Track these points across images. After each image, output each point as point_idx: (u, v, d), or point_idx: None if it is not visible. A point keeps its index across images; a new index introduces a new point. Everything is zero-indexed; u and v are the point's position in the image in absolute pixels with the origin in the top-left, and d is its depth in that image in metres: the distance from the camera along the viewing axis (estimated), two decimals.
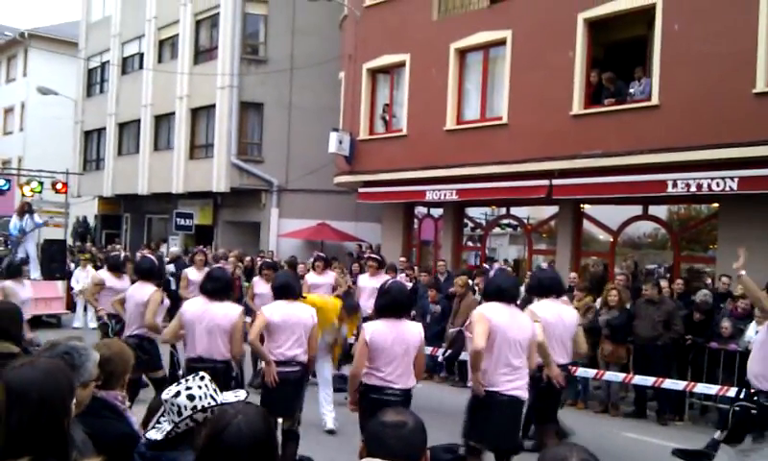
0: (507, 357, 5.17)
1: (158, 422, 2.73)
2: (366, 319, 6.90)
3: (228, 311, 5.83)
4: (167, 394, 2.65)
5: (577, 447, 1.97)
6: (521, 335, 5.27)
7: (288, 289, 6.02)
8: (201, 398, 2.61)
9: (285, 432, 5.91)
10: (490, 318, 5.17)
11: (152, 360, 7.32)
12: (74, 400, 2.14)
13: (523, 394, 5.30)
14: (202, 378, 2.69)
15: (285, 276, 6.53)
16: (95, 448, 2.48)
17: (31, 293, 9.36)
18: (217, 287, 5.92)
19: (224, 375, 5.62)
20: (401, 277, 11.89)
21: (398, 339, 5.16)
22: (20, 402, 1.92)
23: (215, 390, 2.69)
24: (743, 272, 5.98)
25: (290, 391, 5.86)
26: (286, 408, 5.87)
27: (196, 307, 5.93)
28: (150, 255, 9.39)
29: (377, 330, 5.14)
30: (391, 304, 5.24)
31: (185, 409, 2.59)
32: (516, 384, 5.22)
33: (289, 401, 5.87)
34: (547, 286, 6.40)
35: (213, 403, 2.62)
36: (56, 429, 1.97)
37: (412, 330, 5.28)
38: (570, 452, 1.93)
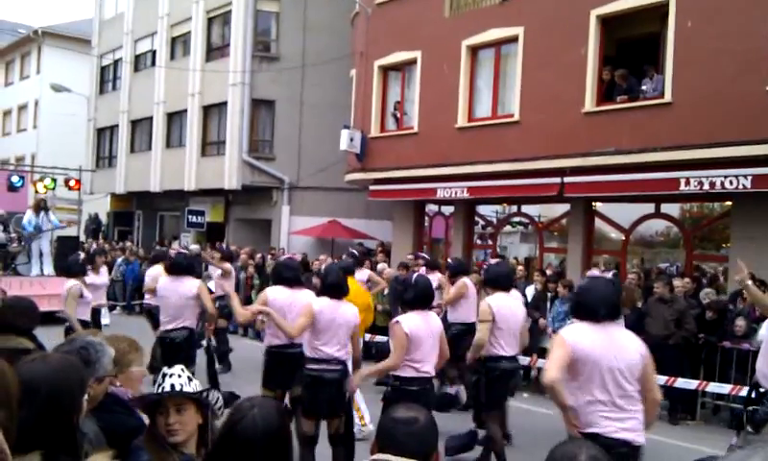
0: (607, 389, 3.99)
1: None
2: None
3: (310, 299, 5.97)
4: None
5: (587, 444, 1.98)
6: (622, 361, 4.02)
7: (339, 289, 5.82)
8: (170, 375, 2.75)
9: (331, 437, 5.81)
10: (573, 342, 4.01)
11: (193, 354, 7.60)
12: (85, 396, 2.16)
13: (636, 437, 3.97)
14: (182, 370, 2.76)
15: (336, 274, 6.05)
16: (106, 442, 2.52)
17: (107, 278, 9.74)
18: (297, 275, 6.24)
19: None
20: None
21: (429, 330, 5.39)
22: (29, 397, 1.93)
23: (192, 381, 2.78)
24: (749, 282, 6.03)
25: (331, 391, 5.65)
26: (329, 410, 5.72)
27: (285, 296, 6.10)
28: (183, 251, 9.64)
29: (414, 323, 5.28)
30: (421, 297, 5.43)
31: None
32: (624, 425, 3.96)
33: (331, 403, 5.69)
34: (501, 280, 6.56)
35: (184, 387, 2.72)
36: (65, 425, 1.98)
37: (436, 321, 5.58)
38: (580, 450, 1.94)
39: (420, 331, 5.29)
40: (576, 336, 4.01)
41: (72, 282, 8.44)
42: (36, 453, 1.88)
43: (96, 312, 9.80)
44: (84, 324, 8.17)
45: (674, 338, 9.63)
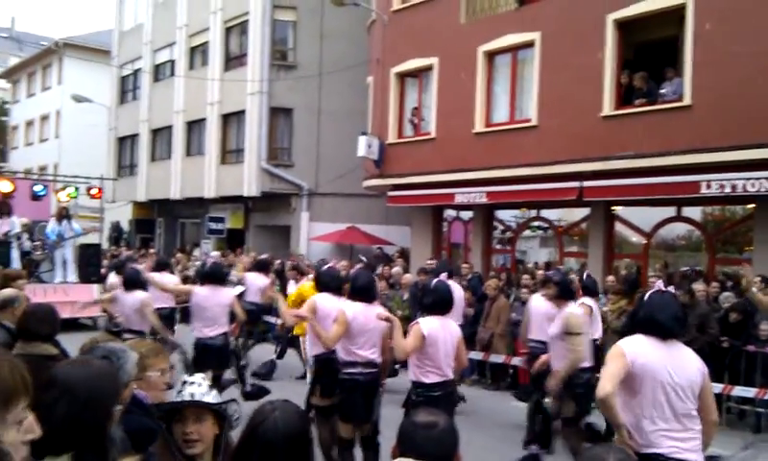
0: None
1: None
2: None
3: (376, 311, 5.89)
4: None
5: (614, 448, 1.99)
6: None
7: (369, 292, 5.93)
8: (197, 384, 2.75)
9: (363, 439, 5.88)
10: (633, 355, 3.85)
11: (228, 357, 8.14)
12: (119, 406, 2.20)
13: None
14: (204, 379, 2.74)
15: (366, 277, 6.19)
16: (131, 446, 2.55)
17: (176, 279, 10.01)
18: (341, 284, 6.44)
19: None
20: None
21: (448, 335, 5.47)
22: (67, 397, 1.97)
23: (210, 390, 2.77)
24: (754, 288, 6.06)
25: (365, 395, 5.77)
26: (363, 413, 5.78)
27: (332, 304, 6.11)
28: (218, 261, 10.00)
29: (434, 327, 5.37)
30: (439, 302, 5.53)
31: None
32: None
33: (364, 406, 5.77)
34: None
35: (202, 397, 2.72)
36: (98, 429, 2.02)
37: (455, 326, 5.65)
38: (608, 454, 1.95)
39: (438, 335, 5.36)
40: (636, 348, 3.85)
41: (144, 294, 8.04)
42: (66, 456, 1.92)
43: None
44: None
45: (697, 343, 9.52)
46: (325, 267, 7.18)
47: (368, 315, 5.75)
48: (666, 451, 3.71)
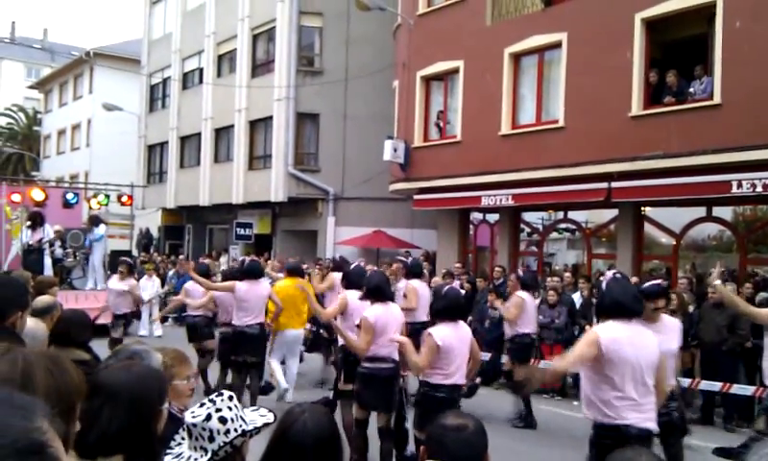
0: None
1: (178, 442, 2.47)
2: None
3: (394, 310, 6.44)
4: (194, 417, 2.39)
5: (645, 451, 1.98)
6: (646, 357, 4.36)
7: (384, 293, 6.33)
8: (232, 420, 2.39)
9: (380, 429, 6.26)
10: (607, 343, 4.28)
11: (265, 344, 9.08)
12: (165, 405, 2.24)
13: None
14: (230, 399, 2.45)
15: (379, 277, 6.62)
16: None
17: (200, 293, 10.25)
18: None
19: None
20: (456, 283, 11.84)
21: (460, 340, 5.55)
22: (111, 402, 2.03)
23: (242, 410, 2.48)
24: (718, 282, 6.18)
25: (384, 387, 6.18)
26: (380, 404, 6.23)
27: (378, 311, 6.30)
28: (257, 259, 10.92)
29: (446, 335, 5.43)
30: (450, 308, 5.59)
31: (218, 433, 2.35)
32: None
33: (383, 398, 6.21)
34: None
35: (244, 425, 2.41)
36: (145, 431, 2.08)
37: (466, 330, 5.71)
38: (639, 457, 1.95)
39: (453, 342, 5.46)
40: (609, 334, 4.27)
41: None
42: (117, 457, 1.98)
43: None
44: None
45: (727, 344, 9.41)
46: (354, 265, 7.81)
47: (388, 315, 6.16)
48: (631, 422, 4.20)
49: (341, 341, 6.85)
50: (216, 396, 2.45)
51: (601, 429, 4.28)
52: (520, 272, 11.57)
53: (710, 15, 11.75)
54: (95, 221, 16.21)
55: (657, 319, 5.16)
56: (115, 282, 11.45)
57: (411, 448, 6.46)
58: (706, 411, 9.70)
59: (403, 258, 12.50)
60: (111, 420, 1.99)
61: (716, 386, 9.18)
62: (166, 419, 2.88)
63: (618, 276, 4.70)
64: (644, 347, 4.30)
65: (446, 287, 5.88)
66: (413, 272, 10.13)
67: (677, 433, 5.24)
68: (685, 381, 9.52)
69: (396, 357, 6.17)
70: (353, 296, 6.90)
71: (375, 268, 9.85)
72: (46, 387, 1.65)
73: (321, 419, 2.23)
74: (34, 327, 3.82)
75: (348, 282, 7.31)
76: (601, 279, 5.11)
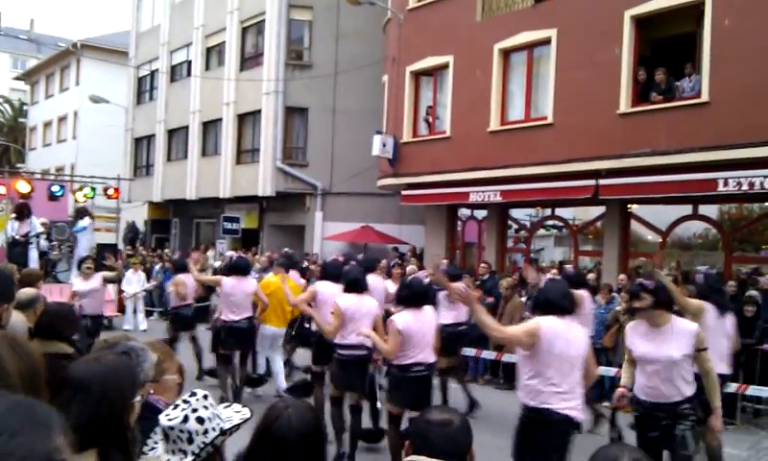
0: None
1: (152, 447, 2.41)
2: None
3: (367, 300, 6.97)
4: (170, 420, 2.34)
5: (629, 447, 1.97)
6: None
7: (359, 284, 6.93)
8: (209, 419, 2.35)
9: (352, 406, 6.99)
10: (545, 331, 4.61)
11: (254, 338, 9.38)
12: (138, 398, 2.20)
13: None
14: (206, 398, 2.40)
15: (356, 271, 7.29)
16: None
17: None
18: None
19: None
20: (422, 273, 11.67)
21: (424, 323, 6.13)
22: (81, 395, 1.99)
23: (217, 408, 2.44)
24: (655, 269, 6.51)
25: (356, 370, 6.89)
26: (352, 385, 6.93)
27: (332, 290, 7.32)
28: (244, 256, 11.32)
29: (407, 320, 6.02)
30: (413, 295, 6.15)
31: (197, 434, 2.31)
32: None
33: (355, 379, 6.90)
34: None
35: (222, 424, 2.39)
36: (118, 423, 2.04)
37: (431, 316, 6.29)
38: (622, 452, 1.94)
39: (414, 326, 6.04)
40: (548, 325, 4.61)
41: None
42: (91, 451, 1.94)
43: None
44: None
45: None
46: (329, 260, 8.67)
47: (360, 305, 6.77)
48: (556, 407, 4.55)
49: (314, 326, 7.70)
50: (190, 396, 2.39)
51: (528, 411, 4.68)
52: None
53: (699, 13, 11.80)
54: (81, 213, 16.06)
55: (661, 322, 4.92)
56: (79, 283, 9.87)
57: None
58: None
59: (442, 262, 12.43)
60: (81, 412, 1.95)
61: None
62: (152, 410, 2.87)
63: (556, 278, 5.26)
64: (576, 341, 4.68)
65: (411, 277, 6.67)
66: (454, 276, 9.88)
67: (679, 447, 4.95)
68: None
69: (369, 344, 6.71)
70: (324, 287, 7.62)
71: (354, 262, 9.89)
72: (17, 371, 1.62)
73: (304, 414, 2.21)
74: (14, 319, 3.78)
75: (324, 275, 8.03)
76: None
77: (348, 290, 6.90)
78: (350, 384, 6.93)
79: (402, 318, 6.04)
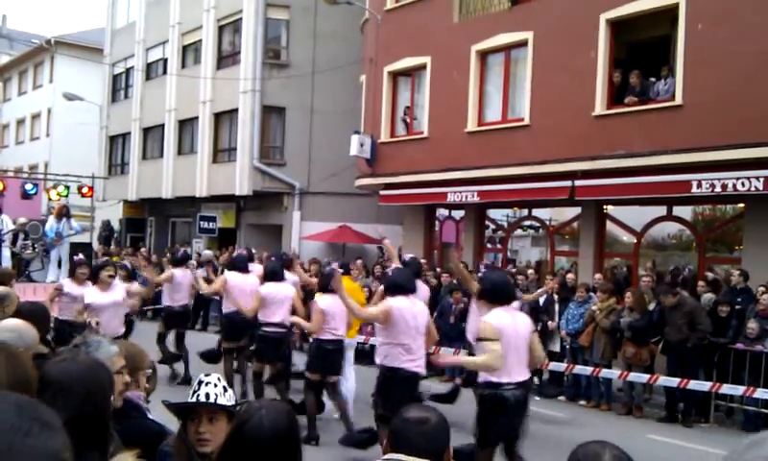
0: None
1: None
2: None
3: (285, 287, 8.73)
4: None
5: (609, 444, 1.98)
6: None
7: (277, 274, 8.65)
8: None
9: (272, 376, 8.55)
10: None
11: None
12: (113, 397, 2.19)
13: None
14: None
15: (274, 264, 9.18)
16: (129, 446, 2.54)
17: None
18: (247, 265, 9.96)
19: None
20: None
21: (339, 306, 7.01)
22: (64, 396, 1.96)
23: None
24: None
25: (276, 346, 8.40)
26: (276, 358, 8.42)
27: (239, 280, 9.39)
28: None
29: (328, 302, 7.53)
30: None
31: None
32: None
33: (277, 353, 8.40)
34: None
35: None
36: (99, 422, 2.02)
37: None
38: (603, 449, 1.95)
39: (334, 308, 7.46)
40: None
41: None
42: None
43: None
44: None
45: (691, 340, 9.59)
46: (236, 253, 10.67)
47: (277, 291, 8.40)
48: (406, 367, 5.97)
49: (225, 309, 9.61)
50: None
51: (386, 370, 6.08)
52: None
53: (674, 17, 11.95)
54: (66, 212, 15.73)
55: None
56: (69, 285, 8.37)
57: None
58: (670, 409, 9.85)
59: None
60: (65, 413, 1.92)
61: (674, 381, 9.37)
62: (134, 409, 2.87)
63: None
64: (419, 314, 6.13)
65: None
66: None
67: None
68: (644, 377, 9.70)
69: (287, 323, 8.33)
70: (232, 276, 9.45)
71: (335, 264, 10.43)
72: (11, 382, 1.60)
73: (278, 415, 2.21)
74: (24, 328, 3.68)
75: (232, 267, 9.98)
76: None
77: (267, 279, 8.56)
78: (270, 357, 8.39)
79: (324, 301, 7.62)
